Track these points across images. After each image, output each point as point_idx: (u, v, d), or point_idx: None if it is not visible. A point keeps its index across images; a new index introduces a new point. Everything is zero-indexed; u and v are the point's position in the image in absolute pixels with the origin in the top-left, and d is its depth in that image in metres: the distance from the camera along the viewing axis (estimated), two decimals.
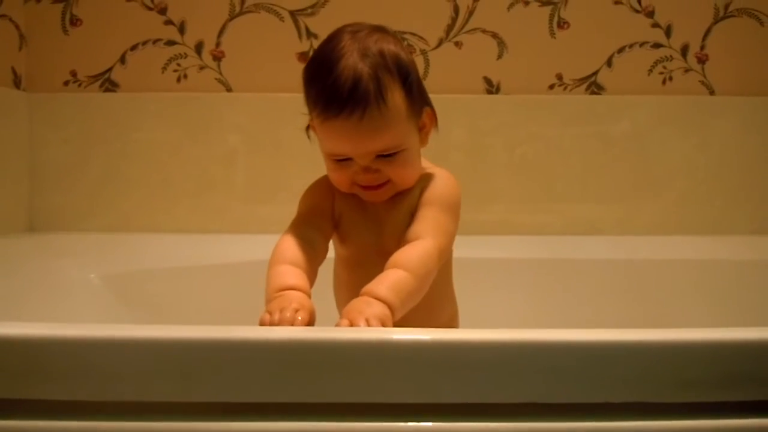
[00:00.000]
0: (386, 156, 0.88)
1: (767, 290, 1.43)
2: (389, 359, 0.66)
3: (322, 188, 0.96)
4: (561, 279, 1.49)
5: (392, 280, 0.80)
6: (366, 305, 0.76)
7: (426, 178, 0.94)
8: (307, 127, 0.94)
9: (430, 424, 0.66)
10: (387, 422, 0.66)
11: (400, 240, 0.90)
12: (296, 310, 0.76)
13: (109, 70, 1.54)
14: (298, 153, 1.52)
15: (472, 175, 1.52)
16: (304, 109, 1.59)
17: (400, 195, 0.92)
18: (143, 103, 1.53)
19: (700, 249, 1.53)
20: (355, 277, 0.94)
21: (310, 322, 0.77)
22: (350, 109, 0.83)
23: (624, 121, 1.53)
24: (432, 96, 1.54)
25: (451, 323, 1.03)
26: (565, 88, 1.54)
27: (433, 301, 0.89)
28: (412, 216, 0.91)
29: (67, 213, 1.54)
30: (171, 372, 0.66)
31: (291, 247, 0.88)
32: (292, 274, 0.84)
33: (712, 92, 1.54)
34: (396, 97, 0.86)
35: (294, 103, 1.55)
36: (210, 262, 1.47)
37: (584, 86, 1.54)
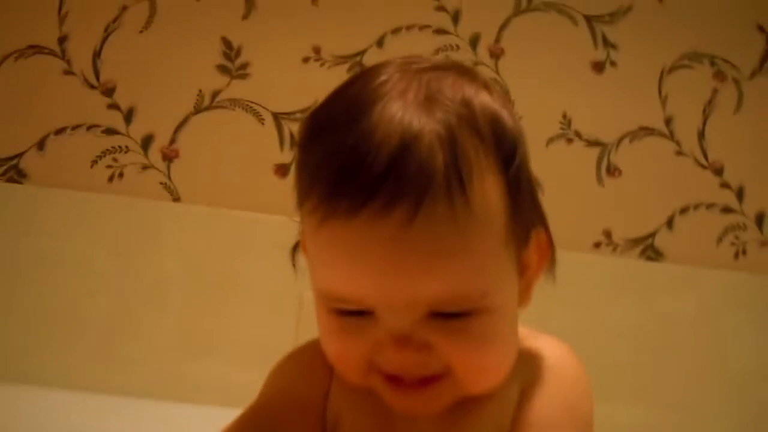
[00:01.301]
0: (450, 316, 0.44)
1: None
2: None
3: (308, 367, 0.51)
4: None
5: None
6: None
7: (530, 365, 0.49)
8: (295, 246, 0.52)
9: None
10: None
11: None
12: None
13: (20, 155, 1.15)
14: (259, 295, 1.12)
15: None
16: (275, 235, 1.20)
17: (475, 402, 0.47)
18: (55, 202, 1.13)
19: None
20: None
21: None
22: (387, 199, 0.41)
23: (689, 300, 1.18)
24: None
25: None
26: (614, 249, 1.20)
27: None
28: None
29: None
30: None
31: None
32: None
33: None
34: (489, 192, 0.44)
35: (261, 226, 1.19)
36: None
37: (638, 249, 1.20)
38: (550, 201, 1.20)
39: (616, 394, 1.15)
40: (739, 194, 1.23)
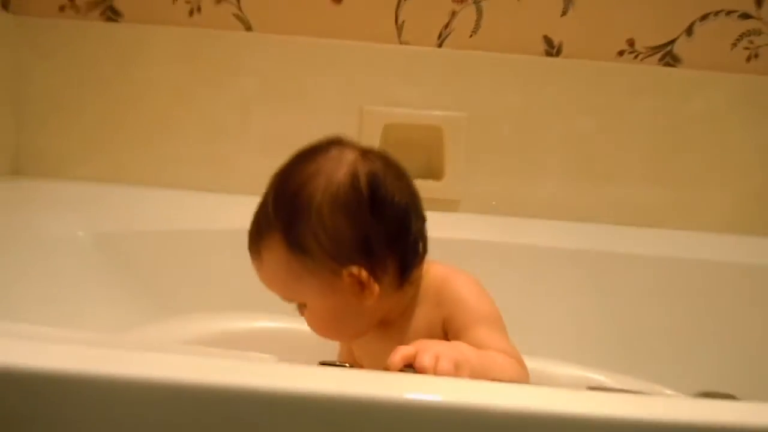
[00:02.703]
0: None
1: None
2: None
3: None
4: (611, 275, 1.31)
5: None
6: (442, 345, 0.64)
7: (444, 298, 0.77)
8: None
9: None
10: None
11: None
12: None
13: None
14: (323, 106, 1.33)
15: (521, 146, 1.34)
16: (335, 58, 1.38)
17: (398, 323, 0.78)
18: (148, 37, 1.32)
19: None
20: None
21: None
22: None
23: (699, 99, 1.34)
24: (483, 54, 1.34)
25: None
26: (636, 56, 1.34)
27: None
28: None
29: (56, 155, 1.34)
30: None
31: None
32: None
33: None
34: (271, 247, 0.74)
35: (323, 49, 1.37)
36: (216, 226, 1.29)
37: (658, 56, 1.34)
38: (579, 12, 1.35)
39: (635, 177, 1.35)
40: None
